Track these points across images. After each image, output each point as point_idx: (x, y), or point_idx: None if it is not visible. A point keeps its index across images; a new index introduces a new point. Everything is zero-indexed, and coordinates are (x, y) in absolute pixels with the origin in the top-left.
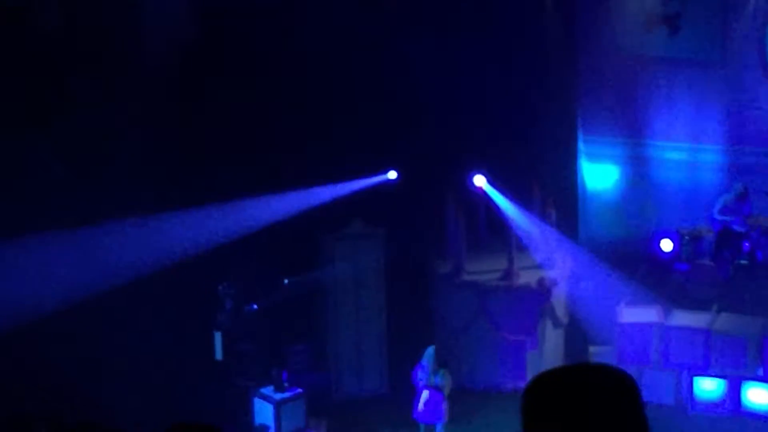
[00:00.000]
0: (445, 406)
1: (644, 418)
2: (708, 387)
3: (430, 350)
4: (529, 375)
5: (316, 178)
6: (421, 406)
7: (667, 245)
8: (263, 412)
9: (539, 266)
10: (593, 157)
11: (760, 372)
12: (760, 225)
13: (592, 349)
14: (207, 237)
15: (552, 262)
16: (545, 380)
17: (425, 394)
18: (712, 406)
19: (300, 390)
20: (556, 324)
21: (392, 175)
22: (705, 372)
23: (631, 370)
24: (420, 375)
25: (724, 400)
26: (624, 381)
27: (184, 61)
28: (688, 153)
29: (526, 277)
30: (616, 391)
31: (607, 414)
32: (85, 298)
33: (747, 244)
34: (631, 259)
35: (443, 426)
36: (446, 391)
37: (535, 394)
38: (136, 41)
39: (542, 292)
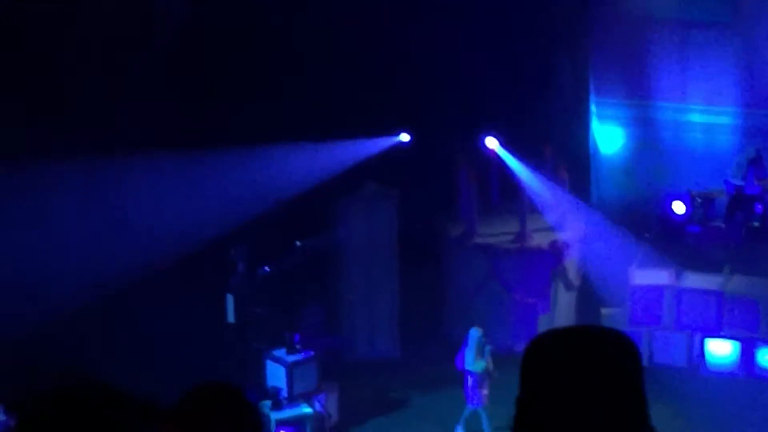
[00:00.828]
0: (485, 391)
1: (641, 381)
2: (720, 349)
3: (474, 333)
4: None
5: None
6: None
7: (679, 207)
8: (276, 374)
9: (551, 229)
10: (605, 120)
11: None
12: None
13: (603, 311)
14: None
15: (564, 224)
16: (543, 342)
17: (469, 380)
18: (724, 367)
19: (312, 352)
20: (568, 286)
21: (405, 137)
22: (717, 334)
23: (643, 332)
24: (465, 359)
25: (737, 362)
26: (622, 344)
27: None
28: (701, 115)
29: (538, 240)
30: (613, 353)
31: (601, 376)
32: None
33: (759, 207)
34: (643, 222)
35: (484, 409)
36: (489, 374)
37: (532, 355)
38: None
39: (554, 254)
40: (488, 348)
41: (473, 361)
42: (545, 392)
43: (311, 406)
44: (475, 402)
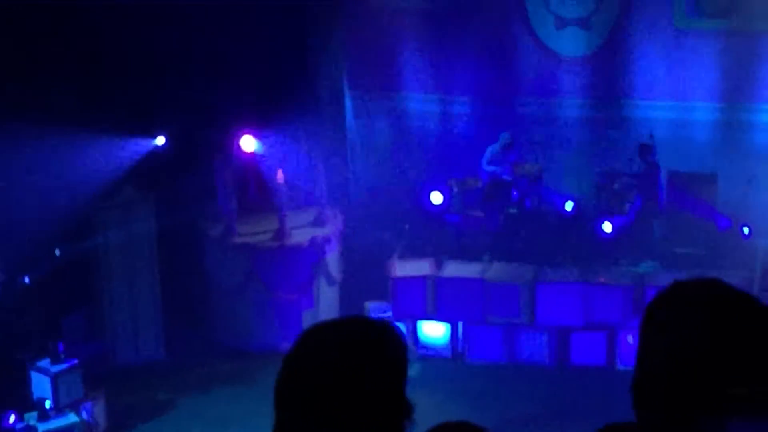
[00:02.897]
0: None
1: (397, 370)
2: (482, 336)
3: None
4: None
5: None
6: None
7: (436, 198)
8: (41, 385)
9: (310, 225)
10: (361, 112)
11: (533, 319)
12: (528, 174)
13: (367, 304)
14: None
15: (323, 219)
16: (309, 337)
17: None
18: (488, 354)
19: (77, 361)
20: (330, 281)
21: (160, 140)
22: (480, 321)
23: (407, 323)
24: None
25: (499, 348)
26: (389, 334)
27: None
28: (456, 105)
29: (298, 236)
30: (380, 343)
31: (367, 365)
32: None
33: (515, 193)
34: (402, 213)
35: None
36: None
37: (300, 348)
38: None
39: (314, 250)
40: None
41: None
42: (311, 386)
43: (78, 414)
44: None
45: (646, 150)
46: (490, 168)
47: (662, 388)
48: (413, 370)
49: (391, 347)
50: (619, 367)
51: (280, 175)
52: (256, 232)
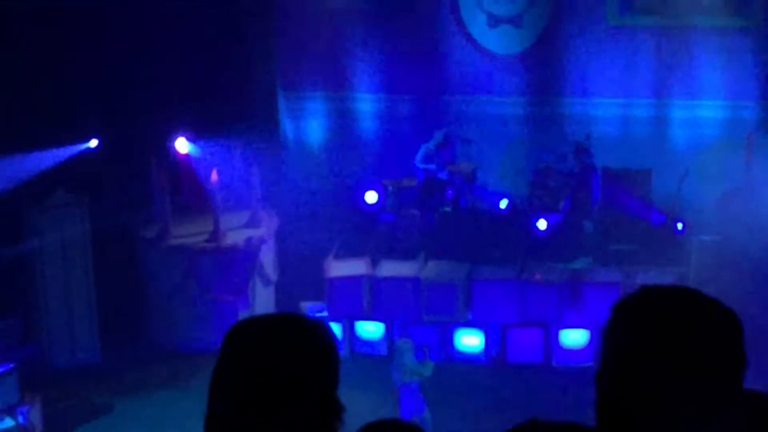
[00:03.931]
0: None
1: (327, 370)
2: (420, 334)
3: (402, 346)
4: None
5: (19, 148)
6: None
7: (371, 197)
8: None
9: (246, 226)
10: (295, 112)
11: (469, 316)
12: (462, 172)
13: (303, 305)
14: None
15: (258, 220)
16: (240, 330)
17: (407, 391)
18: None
19: (12, 364)
20: (266, 282)
21: (93, 143)
22: (417, 320)
23: (343, 323)
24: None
25: (436, 347)
26: (320, 333)
27: None
28: (387, 104)
29: (233, 238)
30: (299, 343)
31: (297, 363)
32: None
33: (450, 192)
34: (337, 213)
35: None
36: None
37: (231, 340)
38: None
39: (250, 251)
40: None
41: (408, 373)
42: (239, 383)
43: (15, 419)
44: (418, 410)
45: (582, 150)
46: (424, 166)
47: (617, 391)
48: (347, 369)
49: (321, 346)
50: (554, 363)
51: (214, 177)
52: (191, 233)
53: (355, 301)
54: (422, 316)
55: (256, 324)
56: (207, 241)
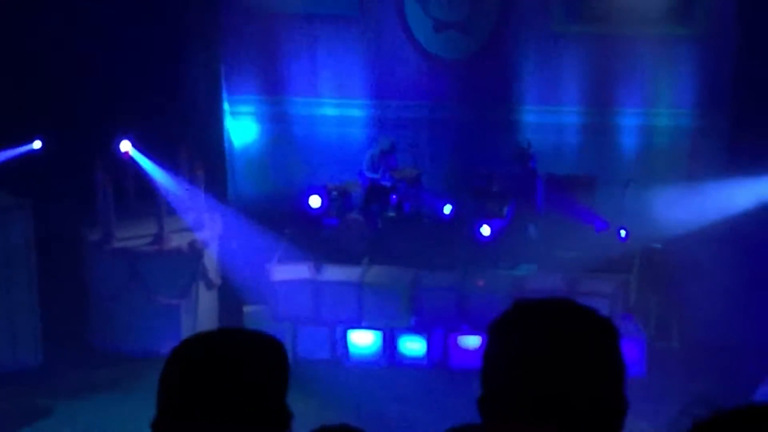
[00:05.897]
0: None
1: (276, 379)
2: (362, 339)
3: None
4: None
5: None
6: None
7: (315, 201)
8: None
9: (190, 229)
10: (240, 116)
11: (412, 322)
12: (406, 177)
13: (246, 308)
14: None
15: (202, 223)
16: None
17: None
18: (367, 357)
19: None
20: (209, 285)
21: (37, 144)
22: (359, 325)
23: (287, 327)
24: None
25: (379, 351)
26: (267, 344)
27: None
28: (334, 108)
29: (177, 240)
30: (244, 358)
31: (247, 375)
32: None
33: (394, 197)
34: (281, 217)
35: None
36: None
37: (174, 362)
38: None
39: (193, 254)
40: None
41: None
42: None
43: None
44: None
45: (524, 156)
46: (369, 172)
47: (508, 400)
48: (292, 374)
49: (270, 357)
50: None
51: (160, 179)
52: (135, 236)
53: (298, 305)
54: (363, 321)
55: (205, 337)
56: (151, 244)
